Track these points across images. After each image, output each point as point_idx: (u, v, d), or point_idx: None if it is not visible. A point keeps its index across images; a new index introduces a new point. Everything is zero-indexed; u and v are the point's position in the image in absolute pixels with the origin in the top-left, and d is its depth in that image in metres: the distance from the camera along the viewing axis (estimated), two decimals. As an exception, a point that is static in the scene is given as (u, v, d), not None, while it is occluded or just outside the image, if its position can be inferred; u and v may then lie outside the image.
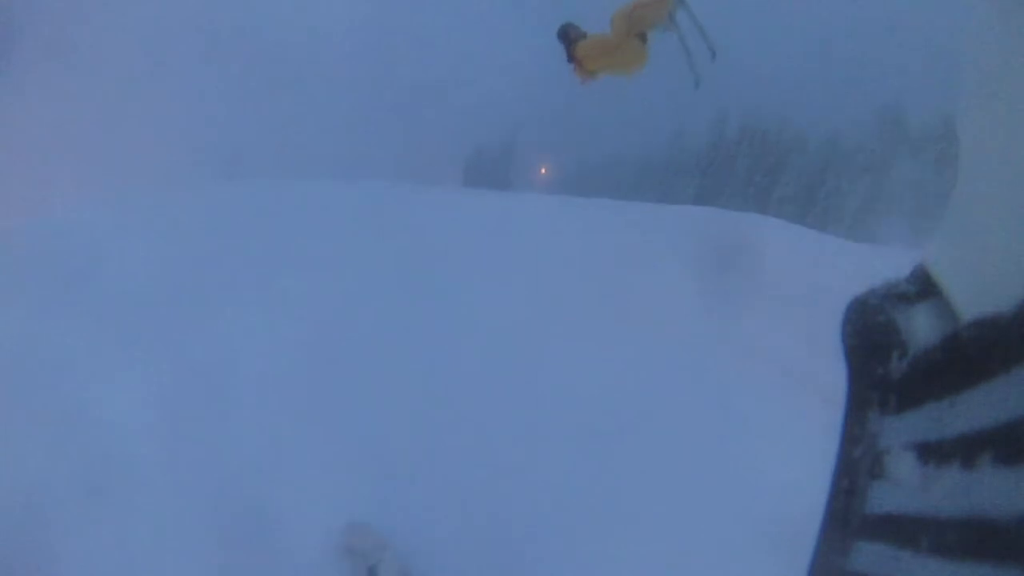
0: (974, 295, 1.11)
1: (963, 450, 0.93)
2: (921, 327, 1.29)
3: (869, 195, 25.15)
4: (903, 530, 1.14)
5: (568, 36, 6.27)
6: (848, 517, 1.41)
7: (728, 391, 8.72)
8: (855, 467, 1.40)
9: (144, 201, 14.05)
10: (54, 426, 8.01)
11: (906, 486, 1.15)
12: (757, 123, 27.26)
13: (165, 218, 13.06)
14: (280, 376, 9.50)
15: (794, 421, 6.44)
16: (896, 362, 1.31)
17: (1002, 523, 0.81)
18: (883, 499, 1.30)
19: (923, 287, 1.32)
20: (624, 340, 10.04)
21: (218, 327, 10.28)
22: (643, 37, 5.94)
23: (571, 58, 6.31)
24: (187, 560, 6.62)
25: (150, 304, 10.78)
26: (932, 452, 1.06)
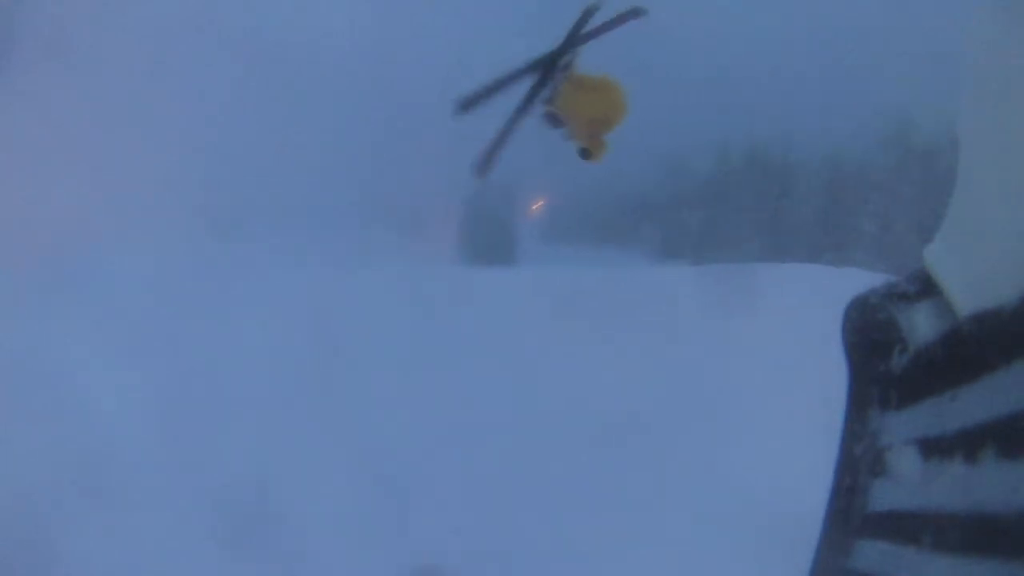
0: (973, 293, 1.11)
1: (965, 444, 0.92)
2: (921, 324, 1.29)
3: (883, 214, 24.42)
4: (905, 527, 1.14)
5: (555, 121, 6.34)
6: (850, 515, 1.41)
7: (728, 391, 8.71)
8: (856, 465, 1.40)
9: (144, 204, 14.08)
10: (54, 426, 8.00)
11: (908, 482, 1.15)
12: (761, 148, 26.65)
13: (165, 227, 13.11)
14: (281, 380, 9.50)
15: (794, 421, 6.44)
16: (897, 358, 1.31)
17: (1005, 518, 0.81)
18: (885, 496, 1.29)
19: (923, 286, 1.32)
20: (626, 345, 10.04)
21: (219, 329, 10.28)
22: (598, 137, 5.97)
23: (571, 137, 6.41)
24: (187, 560, 6.61)
25: (150, 305, 10.78)
26: (934, 447, 1.06)
